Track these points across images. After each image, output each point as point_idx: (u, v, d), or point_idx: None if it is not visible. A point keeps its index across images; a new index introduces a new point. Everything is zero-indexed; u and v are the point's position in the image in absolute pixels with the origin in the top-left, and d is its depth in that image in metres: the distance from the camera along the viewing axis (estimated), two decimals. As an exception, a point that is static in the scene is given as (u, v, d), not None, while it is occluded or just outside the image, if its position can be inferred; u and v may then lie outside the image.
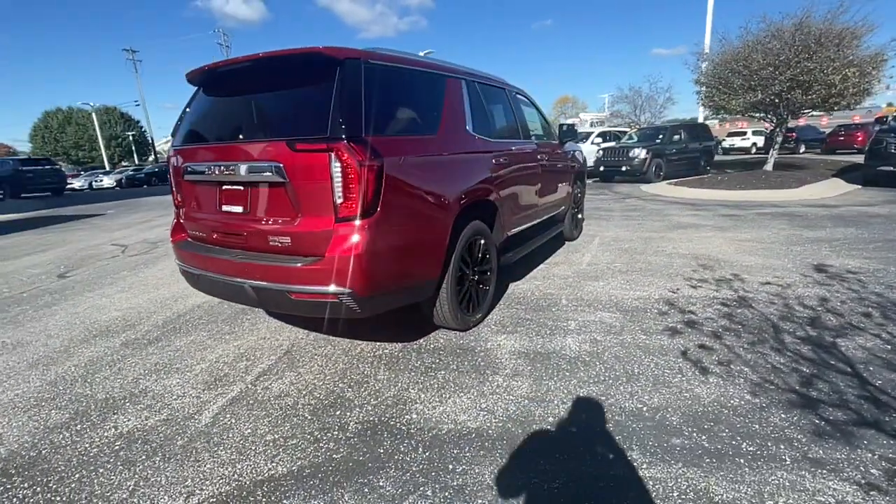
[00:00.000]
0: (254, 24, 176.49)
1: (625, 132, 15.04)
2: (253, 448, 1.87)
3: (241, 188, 2.27)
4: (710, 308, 3.14)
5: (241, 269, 2.24)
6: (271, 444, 1.89)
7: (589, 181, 12.96)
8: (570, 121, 37.30)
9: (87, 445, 1.93)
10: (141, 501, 1.60)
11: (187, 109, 2.63)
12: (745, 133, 24.32)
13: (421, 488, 1.61)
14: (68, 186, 26.78)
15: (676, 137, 12.09)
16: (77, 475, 1.75)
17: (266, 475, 1.71)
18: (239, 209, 2.29)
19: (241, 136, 2.38)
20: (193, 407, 2.19)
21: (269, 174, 2.09)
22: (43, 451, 1.91)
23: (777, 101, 10.40)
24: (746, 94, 10.52)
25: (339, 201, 2.01)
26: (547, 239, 4.40)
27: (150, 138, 53.27)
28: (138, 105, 55.86)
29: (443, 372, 2.42)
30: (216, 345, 2.88)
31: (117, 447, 1.91)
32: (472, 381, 2.32)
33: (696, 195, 9.07)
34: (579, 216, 5.54)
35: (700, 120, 18.19)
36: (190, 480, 1.70)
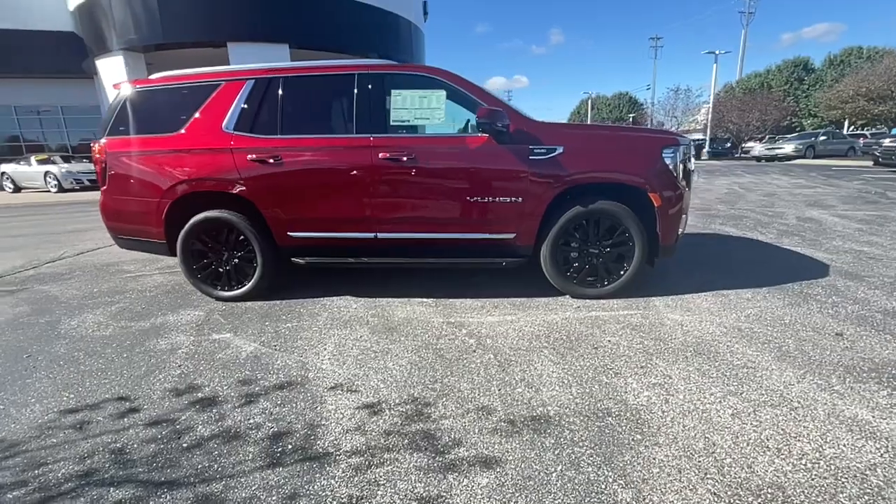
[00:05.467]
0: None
1: None
2: None
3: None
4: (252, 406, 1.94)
5: None
6: None
7: None
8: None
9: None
10: None
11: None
12: None
13: None
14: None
15: None
16: None
17: None
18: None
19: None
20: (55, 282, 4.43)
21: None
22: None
23: None
24: None
25: (100, 176, 3.45)
26: (442, 264, 3.27)
27: (649, 118, 58.18)
28: (649, 89, 61.75)
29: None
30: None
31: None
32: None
33: None
34: (630, 257, 3.10)
35: None
36: None
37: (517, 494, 1.48)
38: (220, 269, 3.39)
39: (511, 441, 1.75)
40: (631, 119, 60.44)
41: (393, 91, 3.14)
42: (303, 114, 3.22)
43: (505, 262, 3.17)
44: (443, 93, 3.12)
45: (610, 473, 1.56)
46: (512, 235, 3.13)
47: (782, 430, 1.76)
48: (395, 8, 18.21)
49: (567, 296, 3.27)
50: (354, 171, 3.09)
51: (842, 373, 2.14)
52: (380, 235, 3.20)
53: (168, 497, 1.52)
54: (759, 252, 4.40)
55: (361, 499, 1.49)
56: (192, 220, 3.27)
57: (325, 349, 2.59)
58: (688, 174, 3.23)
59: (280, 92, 3.19)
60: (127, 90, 3.36)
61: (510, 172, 3.01)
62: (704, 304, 3.07)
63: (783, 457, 1.61)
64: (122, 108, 3.34)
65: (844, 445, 1.65)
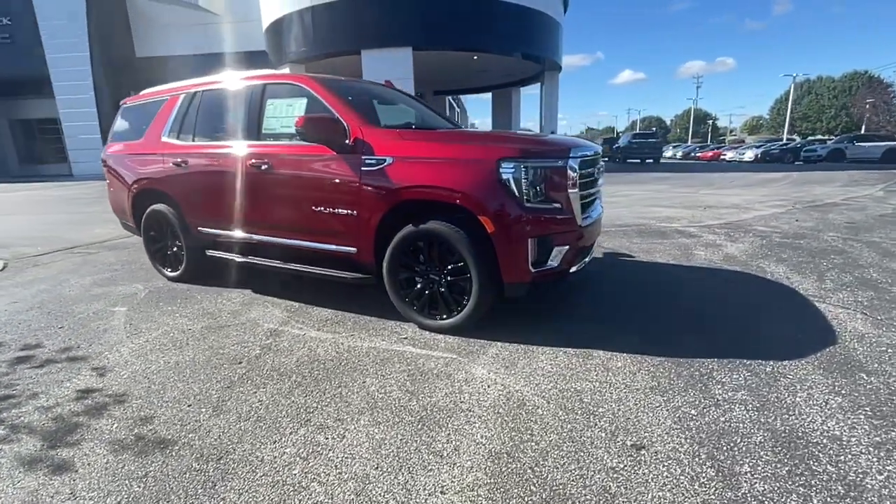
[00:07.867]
0: None
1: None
2: None
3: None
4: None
5: None
6: None
7: None
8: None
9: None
10: None
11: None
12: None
13: None
14: (720, 158, 30.72)
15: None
16: None
17: None
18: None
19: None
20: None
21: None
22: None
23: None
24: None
25: (110, 173, 4.47)
26: (291, 270, 3.29)
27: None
28: (903, 64, 46.11)
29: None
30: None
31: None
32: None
33: None
34: (469, 290, 2.64)
35: None
36: None
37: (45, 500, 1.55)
38: (166, 254, 4.08)
39: (113, 455, 1.78)
40: (868, 105, 45.62)
41: (268, 100, 3.27)
42: (209, 123, 3.61)
43: (349, 276, 3.03)
44: (304, 101, 3.11)
45: (110, 517, 1.48)
46: (354, 249, 2.97)
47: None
48: (530, 2, 17.61)
49: (414, 324, 2.94)
50: (233, 176, 3.35)
51: (536, 500, 1.48)
52: (254, 237, 3.41)
53: None
54: (755, 308, 3.08)
55: (-47, 465, 1.75)
56: (146, 212, 4.02)
57: (152, 334, 2.94)
58: (568, 194, 2.53)
59: (197, 104, 3.65)
60: (122, 106, 4.30)
61: (344, 184, 2.85)
62: (543, 362, 2.39)
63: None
64: (118, 119, 4.29)
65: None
